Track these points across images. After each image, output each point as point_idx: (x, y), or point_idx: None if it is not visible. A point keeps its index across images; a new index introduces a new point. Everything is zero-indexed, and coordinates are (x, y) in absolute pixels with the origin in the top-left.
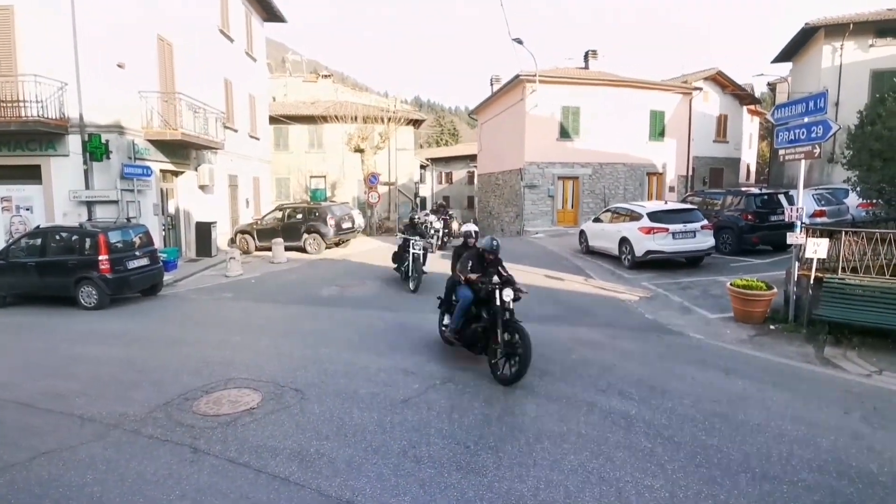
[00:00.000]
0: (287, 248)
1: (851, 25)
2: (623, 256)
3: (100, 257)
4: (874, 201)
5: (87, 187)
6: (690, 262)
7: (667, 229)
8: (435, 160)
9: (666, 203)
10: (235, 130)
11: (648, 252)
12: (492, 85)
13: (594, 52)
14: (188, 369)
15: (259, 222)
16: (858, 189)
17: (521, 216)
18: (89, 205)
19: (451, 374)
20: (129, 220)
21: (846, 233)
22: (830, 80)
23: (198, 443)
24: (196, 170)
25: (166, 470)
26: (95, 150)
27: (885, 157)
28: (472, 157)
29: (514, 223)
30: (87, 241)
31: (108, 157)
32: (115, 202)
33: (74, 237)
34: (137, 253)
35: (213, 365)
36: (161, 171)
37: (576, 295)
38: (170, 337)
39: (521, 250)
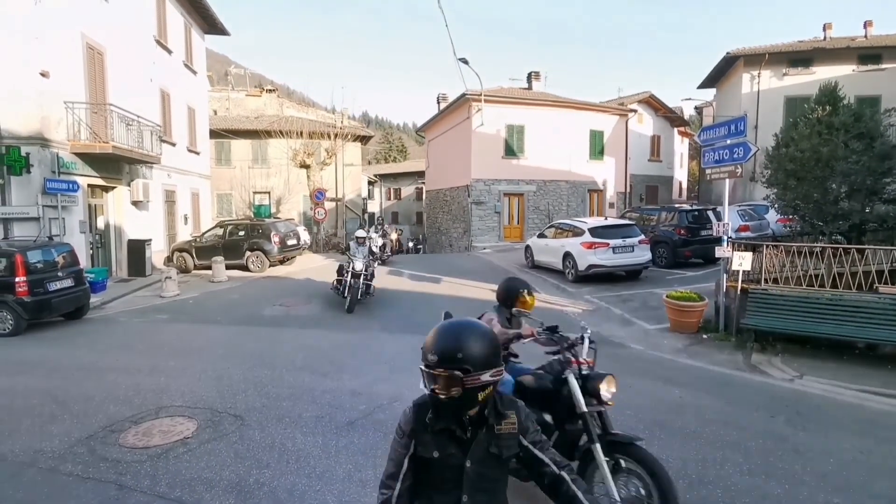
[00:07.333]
0: (228, 267)
1: (767, 55)
2: (567, 271)
3: (16, 279)
4: (791, 217)
5: (3, 203)
6: (630, 276)
7: (607, 244)
8: (383, 176)
9: (606, 219)
10: (173, 144)
11: (591, 266)
12: (439, 103)
13: (537, 73)
14: (115, 398)
15: (199, 240)
16: (777, 206)
17: (468, 232)
18: (6, 222)
19: (398, 392)
20: (50, 238)
21: (768, 246)
22: (750, 104)
23: (124, 479)
24: (129, 185)
25: None
26: (14, 163)
27: (799, 176)
28: (421, 174)
29: (461, 239)
30: (2, 262)
31: (29, 171)
32: (36, 219)
33: None
34: (60, 273)
35: (143, 393)
36: (89, 185)
37: None
38: (95, 364)
39: (469, 266)
